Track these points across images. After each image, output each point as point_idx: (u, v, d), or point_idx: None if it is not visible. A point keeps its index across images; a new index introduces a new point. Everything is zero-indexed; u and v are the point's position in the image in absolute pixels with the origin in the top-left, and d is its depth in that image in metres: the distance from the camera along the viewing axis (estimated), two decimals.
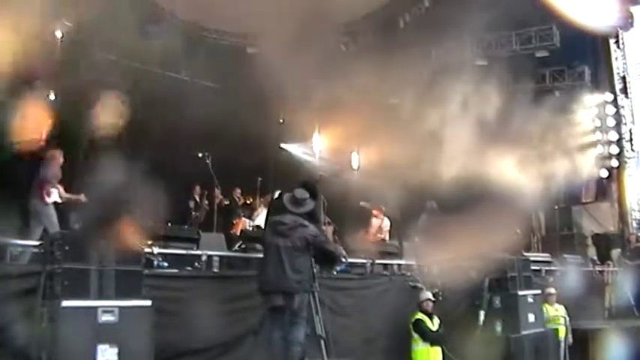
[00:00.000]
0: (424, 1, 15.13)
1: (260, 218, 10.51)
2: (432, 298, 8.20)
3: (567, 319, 9.76)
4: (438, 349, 7.97)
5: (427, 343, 7.92)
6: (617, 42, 17.13)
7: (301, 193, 6.43)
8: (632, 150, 17.02)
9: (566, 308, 9.85)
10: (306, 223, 6.33)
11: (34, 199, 7.91)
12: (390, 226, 11.93)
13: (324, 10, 10.31)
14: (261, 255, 7.37)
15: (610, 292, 12.26)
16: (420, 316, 8.03)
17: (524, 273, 9.04)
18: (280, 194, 6.63)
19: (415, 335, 7.97)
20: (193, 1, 13.93)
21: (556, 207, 17.31)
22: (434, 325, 8.04)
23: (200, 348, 6.23)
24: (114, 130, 10.48)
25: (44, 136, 9.58)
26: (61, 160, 8.39)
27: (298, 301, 6.15)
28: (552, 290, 9.82)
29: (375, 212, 11.94)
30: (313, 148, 14.28)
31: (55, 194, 8.01)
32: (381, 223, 11.85)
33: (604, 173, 17.07)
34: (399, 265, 9.39)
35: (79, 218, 7.16)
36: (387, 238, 11.75)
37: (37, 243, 6.38)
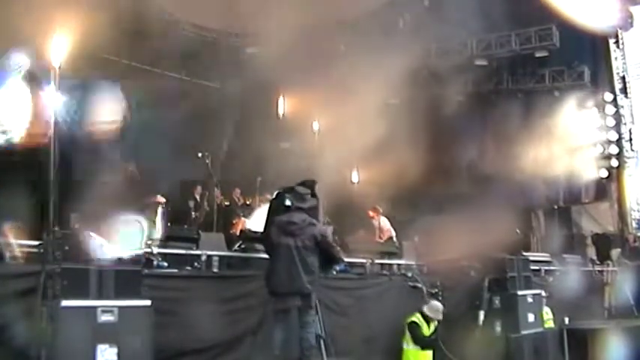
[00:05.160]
0: (423, 1, 15.14)
1: (255, 219, 10.39)
2: (441, 318, 8.12)
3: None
4: (428, 353, 7.95)
5: (418, 346, 7.91)
6: (616, 42, 17.14)
7: (302, 189, 6.45)
8: (632, 150, 17.04)
9: (553, 312, 9.86)
10: (315, 221, 6.35)
11: None
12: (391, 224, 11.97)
13: (324, 10, 10.34)
14: (260, 255, 7.40)
15: (609, 292, 12.26)
16: (416, 318, 7.99)
17: (523, 273, 9.03)
18: (279, 193, 6.62)
19: (407, 335, 7.97)
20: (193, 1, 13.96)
21: (556, 207, 17.33)
22: (430, 329, 8.00)
23: (200, 348, 6.22)
24: (113, 130, 10.50)
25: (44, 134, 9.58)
26: None
27: (314, 300, 6.21)
28: (542, 293, 9.80)
29: (370, 214, 11.95)
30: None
31: None
32: (378, 224, 11.87)
33: (603, 173, 17.08)
34: (399, 264, 9.39)
35: (79, 218, 7.17)
36: (393, 234, 11.76)
37: (36, 243, 6.37)
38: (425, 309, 8.05)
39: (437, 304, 8.11)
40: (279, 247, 6.20)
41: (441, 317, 8.03)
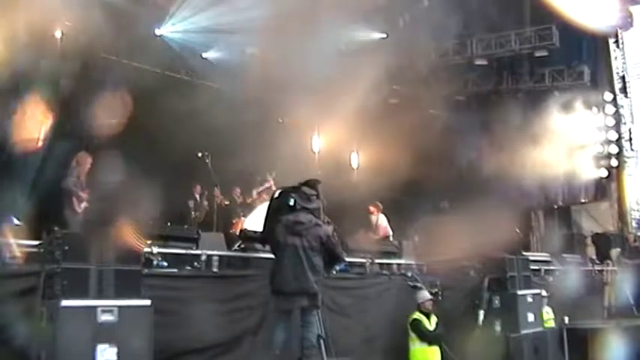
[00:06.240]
0: (423, 1, 15.13)
1: (254, 218, 10.37)
2: (432, 298, 8.18)
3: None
4: (435, 349, 7.95)
5: (425, 343, 7.91)
6: (616, 42, 17.17)
7: (308, 190, 6.47)
8: (632, 149, 17.07)
9: (554, 311, 9.86)
10: (320, 222, 6.39)
11: (65, 209, 7.91)
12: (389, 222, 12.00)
13: (324, 9, 10.33)
14: (260, 255, 7.40)
15: (609, 292, 12.26)
16: (417, 315, 8.01)
17: (523, 273, 9.03)
18: (281, 193, 6.62)
19: (412, 335, 7.96)
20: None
21: (555, 207, 17.34)
22: (431, 324, 8.01)
23: (200, 348, 6.21)
24: (113, 130, 10.48)
25: (42, 135, 9.57)
26: (88, 165, 8.36)
27: (320, 300, 6.25)
28: (544, 292, 9.81)
29: (370, 209, 12.02)
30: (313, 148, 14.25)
31: (84, 203, 8.01)
32: (376, 221, 11.91)
33: (603, 173, 17.10)
34: (399, 264, 9.39)
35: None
36: (390, 233, 11.80)
37: (36, 242, 6.37)
38: (418, 302, 8.09)
39: (422, 292, 8.17)
40: (286, 246, 6.21)
41: (429, 296, 8.08)
